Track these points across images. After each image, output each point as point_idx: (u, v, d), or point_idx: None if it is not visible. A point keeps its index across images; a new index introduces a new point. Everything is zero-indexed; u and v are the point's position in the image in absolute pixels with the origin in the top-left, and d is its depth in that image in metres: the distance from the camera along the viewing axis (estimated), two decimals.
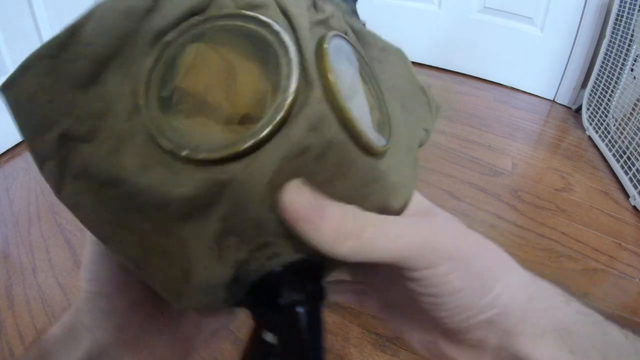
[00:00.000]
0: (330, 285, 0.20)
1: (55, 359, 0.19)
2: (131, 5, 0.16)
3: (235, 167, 0.15)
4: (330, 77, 0.16)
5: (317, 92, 0.15)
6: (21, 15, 1.04)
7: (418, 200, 0.20)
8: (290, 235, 0.15)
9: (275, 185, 0.15)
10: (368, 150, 0.17)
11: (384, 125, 0.19)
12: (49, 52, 0.16)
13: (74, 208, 0.17)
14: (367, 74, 0.20)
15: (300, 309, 0.17)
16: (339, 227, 0.15)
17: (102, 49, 0.16)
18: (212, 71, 0.16)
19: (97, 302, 0.20)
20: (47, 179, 0.17)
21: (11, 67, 1.03)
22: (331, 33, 0.17)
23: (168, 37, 0.16)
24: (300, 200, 0.15)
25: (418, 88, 0.24)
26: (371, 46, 0.21)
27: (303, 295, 0.17)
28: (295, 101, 0.15)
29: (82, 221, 0.17)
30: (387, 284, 0.21)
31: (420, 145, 0.24)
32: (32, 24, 1.07)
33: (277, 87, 0.15)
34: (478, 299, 0.17)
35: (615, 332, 0.17)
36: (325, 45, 0.16)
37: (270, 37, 0.16)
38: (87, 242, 0.21)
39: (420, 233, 0.16)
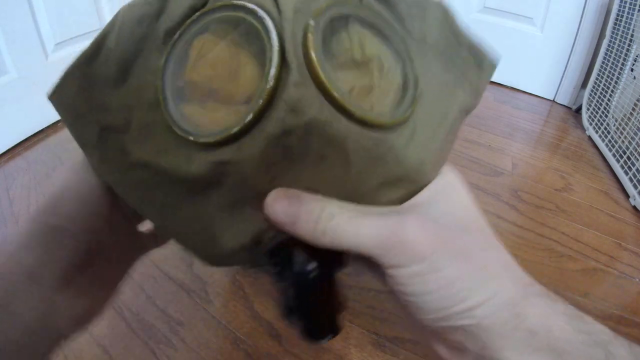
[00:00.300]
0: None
1: None
2: (143, 12, 0.19)
3: (229, 150, 0.17)
4: (313, 56, 0.16)
5: (294, 75, 0.16)
6: (21, 15, 1.04)
7: (435, 186, 0.20)
8: None
9: (269, 163, 0.17)
10: (368, 124, 0.17)
11: (406, 90, 0.18)
12: (82, 61, 0.19)
13: (113, 185, 0.20)
14: (389, 35, 0.19)
15: (311, 274, 0.19)
16: (313, 227, 0.17)
17: (124, 54, 0.19)
18: (215, 62, 0.17)
19: (52, 234, 0.21)
20: (90, 163, 0.21)
21: (11, 67, 1.03)
22: (325, 7, 0.17)
23: (175, 36, 0.18)
24: (279, 210, 0.17)
25: (461, 43, 0.22)
26: (397, 4, 0.20)
27: (314, 262, 0.19)
28: (276, 87, 0.16)
29: (119, 194, 0.21)
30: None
31: (466, 111, 0.22)
32: (32, 24, 1.07)
33: (262, 73, 0.16)
34: (449, 306, 0.17)
35: (622, 351, 0.16)
36: (311, 23, 0.17)
37: (257, 24, 0.17)
38: (61, 176, 0.22)
39: (389, 230, 0.17)
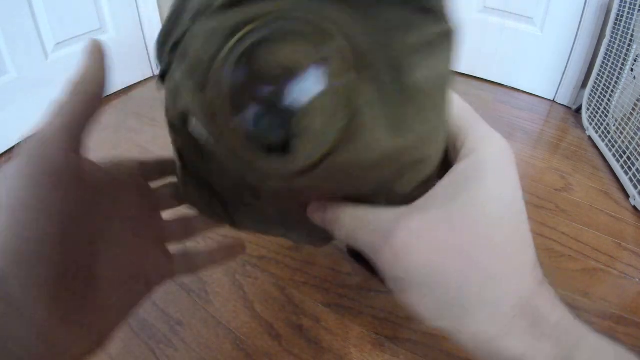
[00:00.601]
0: None
1: None
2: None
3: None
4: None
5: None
6: (21, 15, 1.04)
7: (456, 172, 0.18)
8: None
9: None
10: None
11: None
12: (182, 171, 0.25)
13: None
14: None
15: None
16: (338, 232, 0.20)
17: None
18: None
19: (19, 256, 0.17)
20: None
21: (11, 67, 1.03)
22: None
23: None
24: (316, 218, 0.21)
25: None
26: None
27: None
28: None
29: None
30: None
31: (430, 42, 0.17)
32: (32, 24, 1.07)
33: None
34: (442, 316, 0.16)
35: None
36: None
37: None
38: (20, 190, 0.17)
39: (381, 240, 0.17)
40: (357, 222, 0.19)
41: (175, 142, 0.24)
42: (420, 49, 0.17)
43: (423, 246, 0.16)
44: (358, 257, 0.23)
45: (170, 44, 0.21)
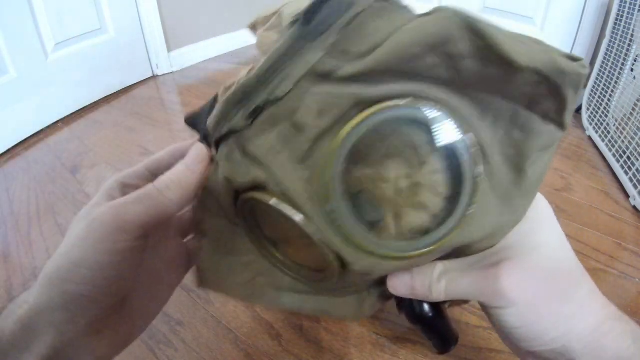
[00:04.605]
0: None
1: (15, 356, 0.20)
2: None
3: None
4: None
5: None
6: (21, 15, 1.04)
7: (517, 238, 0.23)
8: None
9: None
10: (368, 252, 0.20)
11: (461, 192, 0.19)
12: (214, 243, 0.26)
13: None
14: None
15: (428, 314, 0.27)
16: (427, 291, 0.23)
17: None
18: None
19: (73, 301, 0.21)
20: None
21: (11, 67, 1.03)
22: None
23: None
24: (398, 286, 0.24)
25: (525, 71, 0.17)
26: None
27: (427, 305, 0.27)
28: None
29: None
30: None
31: (551, 146, 0.20)
32: (32, 24, 1.07)
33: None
34: (537, 337, 0.21)
35: None
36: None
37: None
38: (92, 248, 0.21)
39: (486, 284, 0.21)
40: (457, 275, 0.22)
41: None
42: (540, 152, 0.19)
43: (520, 285, 0.21)
44: (404, 309, 0.28)
45: (252, 106, 0.18)
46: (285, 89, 0.17)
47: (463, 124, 0.17)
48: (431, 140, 0.17)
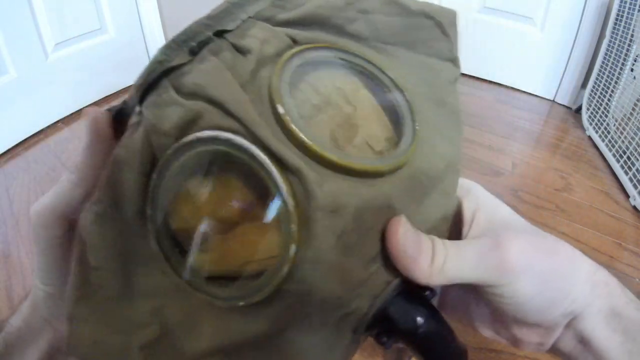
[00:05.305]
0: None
1: (21, 349, 0.21)
2: (98, 211, 0.18)
3: (278, 301, 0.17)
4: (313, 145, 0.16)
5: (312, 186, 0.16)
6: (21, 15, 1.04)
7: (487, 209, 0.22)
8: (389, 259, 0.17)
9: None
10: (360, 174, 0.17)
11: (394, 107, 0.19)
12: (78, 296, 0.18)
13: None
14: (361, 63, 0.20)
15: (420, 328, 0.18)
16: (430, 264, 0.17)
17: (113, 257, 0.18)
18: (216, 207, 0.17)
19: (57, 300, 0.21)
20: None
21: (11, 67, 1.03)
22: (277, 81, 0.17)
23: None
24: (407, 243, 0.17)
25: (417, 15, 0.22)
26: (329, 19, 0.20)
27: (418, 313, 0.18)
28: (301, 207, 0.16)
29: None
30: (463, 294, 0.23)
31: (454, 80, 0.24)
32: (32, 24, 1.07)
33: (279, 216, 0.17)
34: (550, 303, 0.19)
35: None
36: (280, 111, 0.16)
37: (237, 154, 0.16)
38: (37, 252, 0.21)
39: (494, 259, 0.18)
40: (458, 250, 0.19)
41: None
42: (448, 86, 0.23)
43: (524, 249, 0.19)
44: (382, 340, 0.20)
45: (199, 40, 0.18)
46: (235, 24, 0.19)
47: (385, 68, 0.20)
48: (364, 80, 0.20)
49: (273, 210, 0.16)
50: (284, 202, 0.15)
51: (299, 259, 0.16)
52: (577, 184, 0.92)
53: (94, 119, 0.20)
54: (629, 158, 0.90)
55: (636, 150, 0.88)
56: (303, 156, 0.16)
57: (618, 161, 0.95)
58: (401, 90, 0.20)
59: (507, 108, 1.29)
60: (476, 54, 1.43)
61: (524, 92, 1.40)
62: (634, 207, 0.84)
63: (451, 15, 0.23)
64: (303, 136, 0.16)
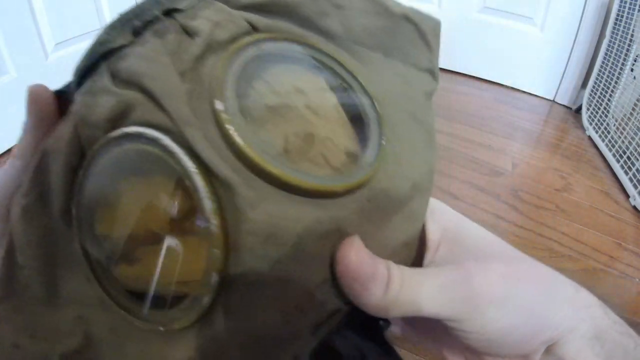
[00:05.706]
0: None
1: None
2: (27, 203, 0.16)
3: (204, 328, 0.14)
4: (250, 152, 0.13)
5: (242, 195, 0.13)
6: (21, 15, 1.04)
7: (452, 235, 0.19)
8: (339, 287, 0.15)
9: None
10: (319, 195, 0.14)
11: (368, 130, 0.17)
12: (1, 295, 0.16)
13: None
14: (326, 56, 0.17)
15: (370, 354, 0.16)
16: (383, 292, 0.15)
17: (38, 266, 0.16)
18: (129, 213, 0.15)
19: None
20: None
21: (11, 67, 1.03)
22: (222, 73, 0.14)
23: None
24: (358, 258, 0.14)
25: (398, 18, 0.20)
26: (317, 13, 0.18)
27: (367, 348, 0.17)
28: (225, 223, 0.13)
29: None
30: (428, 325, 0.21)
31: (431, 94, 0.21)
32: (32, 24, 1.07)
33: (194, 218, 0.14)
34: (540, 332, 0.17)
35: None
36: (219, 107, 0.14)
37: (155, 150, 0.14)
38: None
39: (461, 291, 0.16)
40: (417, 276, 0.16)
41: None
42: (425, 100, 0.20)
43: (496, 279, 0.17)
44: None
45: (144, 19, 0.16)
46: (188, 3, 0.16)
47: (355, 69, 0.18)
48: (331, 83, 0.17)
49: (197, 228, 0.13)
50: (207, 220, 0.13)
51: (225, 288, 0.13)
52: (577, 184, 0.92)
53: (34, 98, 0.17)
54: (629, 158, 0.90)
55: (636, 150, 0.88)
56: (241, 167, 0.13)
57: (618, 161, 0.95)
58: (371, 99, 0.17)
59: (507, 108, 1.29)
60: (476, 54, 1.43)
61: (524, 92, 1.40)
62: (634, 207, 0.84)
63: (435, 24, 0.20)
64: (240, 141, 0.13)
